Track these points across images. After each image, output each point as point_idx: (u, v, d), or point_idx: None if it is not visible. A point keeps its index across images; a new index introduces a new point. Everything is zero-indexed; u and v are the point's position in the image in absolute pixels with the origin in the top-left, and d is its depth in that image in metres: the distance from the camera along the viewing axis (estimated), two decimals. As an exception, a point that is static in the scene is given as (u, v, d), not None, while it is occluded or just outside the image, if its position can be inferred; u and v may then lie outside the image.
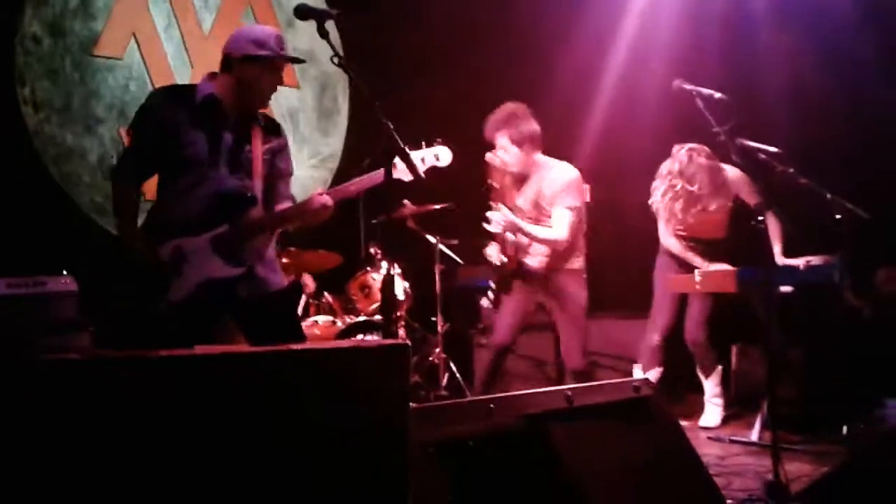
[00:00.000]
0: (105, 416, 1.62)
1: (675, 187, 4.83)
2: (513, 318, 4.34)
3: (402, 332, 5.39)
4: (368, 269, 5.39)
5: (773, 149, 4.12)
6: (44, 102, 5.09)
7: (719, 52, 5.92)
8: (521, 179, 4.33)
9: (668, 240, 4.95)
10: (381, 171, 2.86)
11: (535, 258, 4.28)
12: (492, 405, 2.25)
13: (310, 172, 6.30)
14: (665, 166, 4.91)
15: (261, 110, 3.24)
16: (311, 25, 2.75)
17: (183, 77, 5.64)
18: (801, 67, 5.70)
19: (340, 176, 6.23)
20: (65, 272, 3.74)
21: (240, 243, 3.09)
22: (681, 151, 4.83)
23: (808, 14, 5.64)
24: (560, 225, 4.18)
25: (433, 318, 5.45)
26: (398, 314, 5.42)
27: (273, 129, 3.28)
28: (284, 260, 5.00)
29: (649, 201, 4.94)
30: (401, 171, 2.96)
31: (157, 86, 5.43)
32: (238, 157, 3.12)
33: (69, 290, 3.67)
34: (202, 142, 3.05)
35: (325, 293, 5.30)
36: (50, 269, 3.80)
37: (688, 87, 3.78)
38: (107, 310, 3.15)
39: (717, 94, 3.73)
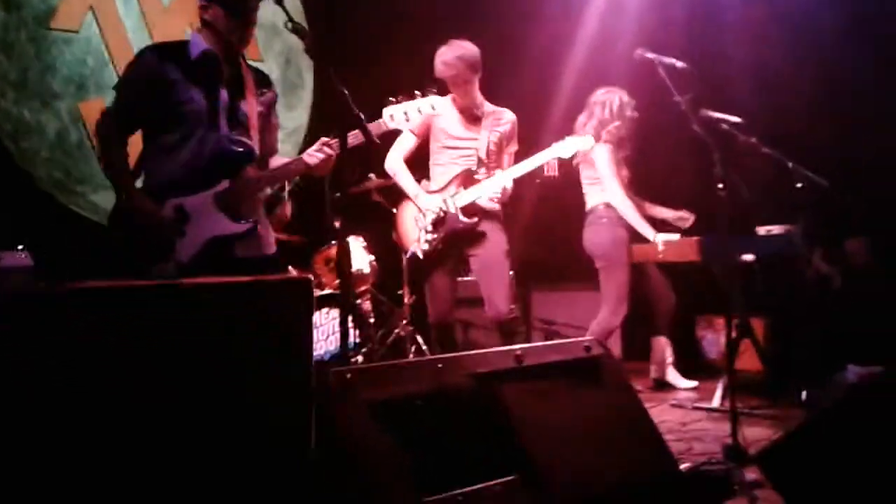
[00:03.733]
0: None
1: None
2: (446, 291, 4.32)
3: (367, 304, 5.39)
4: (333, 242, 5.36)
5: (735, 119, 4.14)
6: (-3, 75, 4.99)
7: (686, 25, 5.94)
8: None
9: (624, 201, 4.81)
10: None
11: (492, 204, 4.30)
12: (440, 365, 2.26)
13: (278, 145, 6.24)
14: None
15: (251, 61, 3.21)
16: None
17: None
18: (767, 38, 5.74)
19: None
20: (20, 247, 3.69)
21: (243, 200, 3.07)
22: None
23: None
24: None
25: (399, 292, 5.45)
26: (364, 287, 5.41)
27: (264, 81, 3.26)
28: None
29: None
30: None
31: (116, 60, 5.35)
32: (236, 113, 3.10)
33: (24, 265, 3.62)
34: (200, 98, 3.01)
35: (290, 267, 5.27)
36: (8, 245, 3.76)
37: (650, 55, 3.79)
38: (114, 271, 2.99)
39: (679, 63, 3.74)
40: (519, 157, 4.38)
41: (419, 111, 3.22)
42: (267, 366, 1.85)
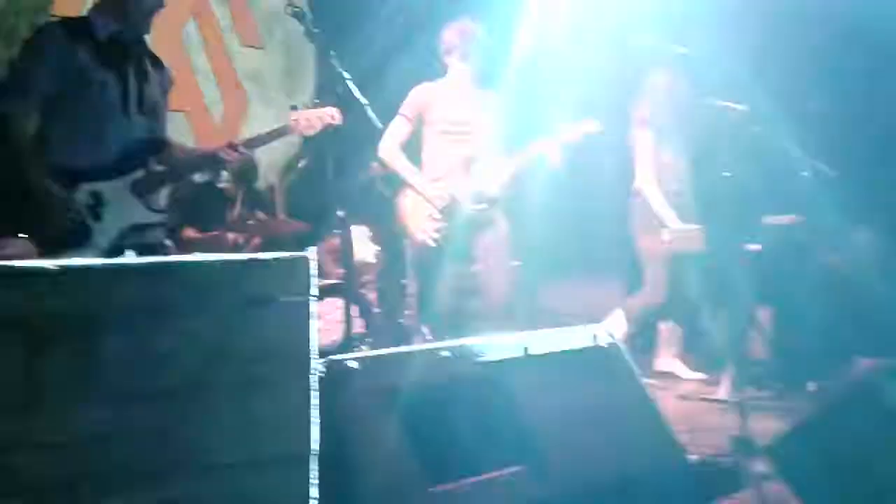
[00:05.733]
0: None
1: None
2: (455, 279, 4.31)
3: (372, 295, 5.36)
4: (337, 232, 5.33)
5: (740, 106, 4.10)
6: (-1, 63, 4.95)
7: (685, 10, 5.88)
8: None
9: (649, 187, 4.79)
10: (287, 125, 3.03)
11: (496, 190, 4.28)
12: (446, 353, 2.23)
13: (278, 137, 6.21)
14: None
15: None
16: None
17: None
18: (772, 27, 5.69)
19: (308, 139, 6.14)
20: (22, 235, 3.66)
21: (157, 188, 3.04)
22: None
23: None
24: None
25: (404, 281, 5.41)
26: (368, 277, 5.37)
27: (159, 63, 3.19)
28: (251, 223, 4.94)
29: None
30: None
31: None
32: (143, 98, 3.04)
33: (28, 252, 3.59)
34: (112, 83, 2.94)
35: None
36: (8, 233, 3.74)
37: (651, 41, 3.76)
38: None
39: (682, 49, 3.71)
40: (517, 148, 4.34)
41: (319, 119, 3.13)
42: (265, 349, 1.81)
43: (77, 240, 2.86)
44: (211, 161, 3.29)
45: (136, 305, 1.72)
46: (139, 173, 2.98)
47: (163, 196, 3.05)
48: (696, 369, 5.08)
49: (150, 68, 3.09)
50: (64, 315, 1.66)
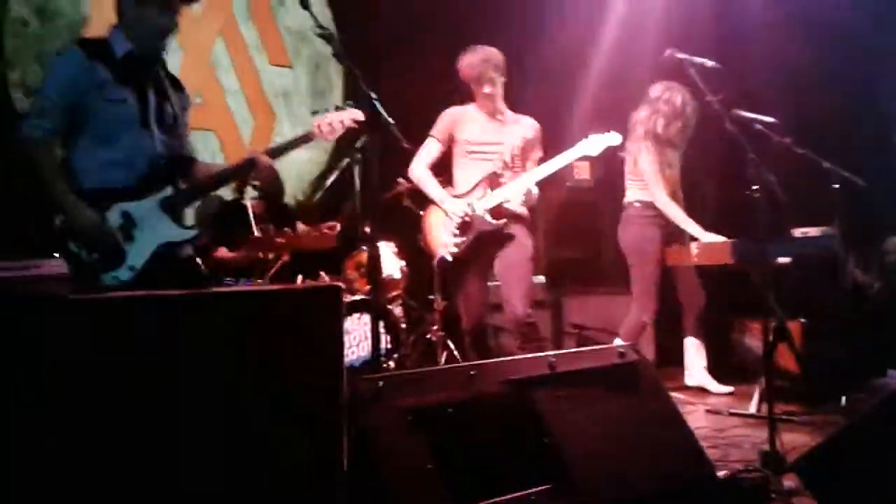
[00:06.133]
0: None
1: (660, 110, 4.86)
2: (478, 296, 4.33)
3: (398, 310, 5.38)
4: (364, 248, 5.36)
5: (769, 119, 4.08)
6: (34, 87, 5.04)
7: (713, 24, 5.88)
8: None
9: (667, 203, 4.79)
10: (310, 131, 3.09)
11: (519, 207, 4.29)
12: (472, 372, 2.24)
13: (306, 154, 6.26)
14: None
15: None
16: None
17: (173, 61, 5.59)
18: (793, 39, 5.66)
19: (335, 156, 6.20)
20: (56, 255, 3.72)
21: (186, 205, 3.07)
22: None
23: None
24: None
25: (430, 297, 5.43)
26: (395, 293, 5.40)
27: (178, 84, 3.22)
28: (279, 240, 4.98)
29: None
30: None
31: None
32: (163, 116, 3.06)
33: (60, 273, 3.64)
34: (132, 100, 2.97)
35: (322, 272, 5.27)
36: (43, 254, 3.78)
37: (680, 55, 3.74)
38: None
39: (710, 63, 3.70)
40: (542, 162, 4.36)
41: (342, 122, 3.16)
42: (297, 375, 1.84)
43: (112, 261, 2.89)
44: (235, 173, 3.29)
45: (180, 334, 1.77)
46: (167, 191, 3.01)
47: (190, 215, 3.09)
48: (726, 383, 5.04)
49: (168, 87, 3.12)
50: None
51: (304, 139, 3.20)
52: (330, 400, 1.84)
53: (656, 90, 4.93)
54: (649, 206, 4.89)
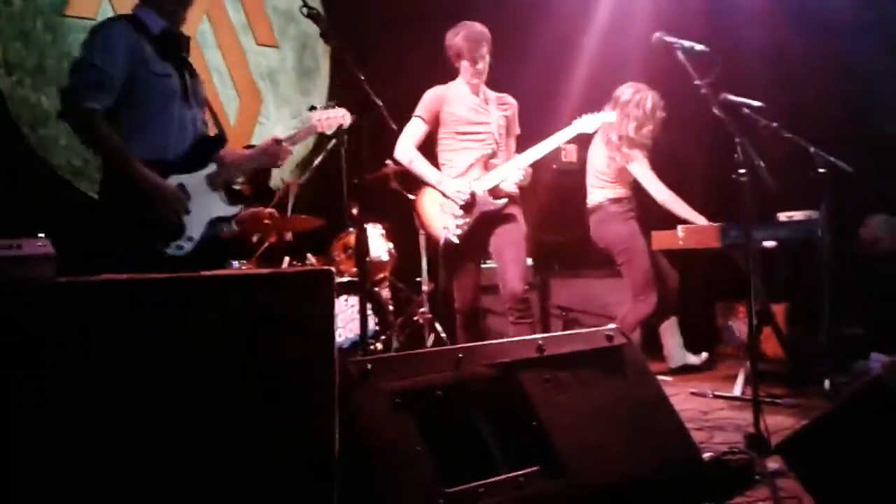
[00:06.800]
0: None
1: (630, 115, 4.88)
2: (473, 278, 4.34)
3: (386, 292, 5.37)
4: (351, 229, 5.35)
5: (756, 103, 4.08)
6: (16, 64, 4.99)
7: (703, 9, 5.87)
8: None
9: (673, 199, 4.80)
10: (313, 124, 3.27)
11: (513, 187, 4.30)
12: (461, 354, 2.24)
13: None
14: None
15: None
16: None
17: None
18: (783, 24, 5.66)
19: (323, 136, 6.16)
20: (41, 235, 3.68)
21: (224, 184, 3.11)
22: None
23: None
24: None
25: (418, 279, 5.43)
26: (382, 275, 5.39)
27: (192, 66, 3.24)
28: (266, 221, 4.95)
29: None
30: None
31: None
32: (197, 93, 3.12)
33: (45, 254, 3.61)
34: (175, 76, 3.01)
35: (309, 255, 5.26)
36: (27, 233, 3.75)
37: (668, 39, 3.73)
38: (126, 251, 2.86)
39: (699, 47, 3.69)
40: (529, 143, 4.35)
41: (335, 119, 3.39)
42: (289, 359, 1.84)
43: (175, 232, 2.90)
44: (262, 159, 3.32)
45: (169, 318, 1.76)
46: (212, 167, 3.04)
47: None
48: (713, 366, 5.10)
49: (190, 63, 3.15)
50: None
51: (311, 130, 3.39)
52: (323, 384, 1.84)
53: (626, 94, 4.93)
54: (619, 201, 4.97)
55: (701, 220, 4.72)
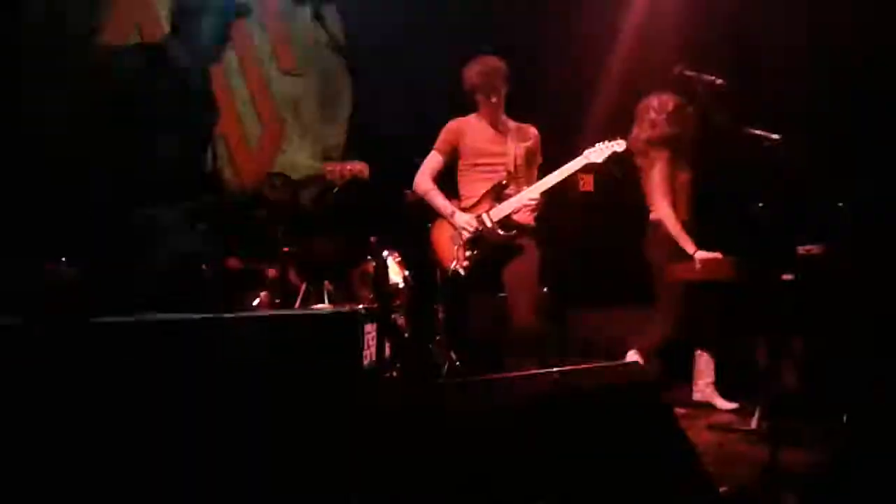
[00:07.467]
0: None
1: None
2: (488, 309, 4.47)
3: (402, 320, 5.38)
4: (370, 257, 5.38)
5: (775, 136, 4.09)
6: None
7: (728, 34, 5.87)
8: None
9: (669, 216, 4.70)
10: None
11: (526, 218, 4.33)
12: (476, 385, 2.24)
13: (314, 162, 6.29)
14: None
15: None
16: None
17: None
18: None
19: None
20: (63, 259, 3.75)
21: (206, 218, 3.35)
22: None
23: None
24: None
25: (434, 307, 5.44)
26: (398, 302, 5.40)
27: None
28: (286, 249, 5.00)
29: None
30: None
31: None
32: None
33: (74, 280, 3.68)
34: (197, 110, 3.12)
35: (326, 282, 5.29)
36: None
37: (689, 73, 3.77)
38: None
39: (718, 80, 3.72)
40: (548, 172, 4.38)
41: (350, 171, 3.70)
42: (315, 399, 1.85)
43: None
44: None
45: (198, 358, 1.78)
46: (189, 203, 3.08)
47: (203, 227, 3.14)
48: (732, 399, 5.03)
49: None
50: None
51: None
52: (339, 423, 1.84)
53: (643, 102, 4.87)
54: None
55: (688, 246, 4.65)
